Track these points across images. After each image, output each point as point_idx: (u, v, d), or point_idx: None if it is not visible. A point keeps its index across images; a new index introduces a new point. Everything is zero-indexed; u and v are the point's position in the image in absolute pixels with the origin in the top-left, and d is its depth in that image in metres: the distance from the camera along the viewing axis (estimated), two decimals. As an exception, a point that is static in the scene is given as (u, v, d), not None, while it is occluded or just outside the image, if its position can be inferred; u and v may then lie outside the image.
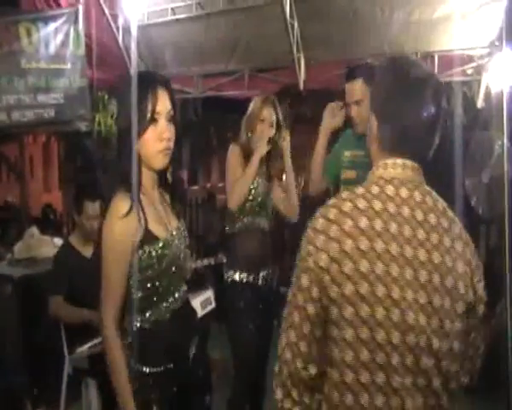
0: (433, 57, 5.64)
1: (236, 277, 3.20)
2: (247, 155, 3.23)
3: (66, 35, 5.98)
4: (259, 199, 3.28)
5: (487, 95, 5.61)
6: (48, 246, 4.90)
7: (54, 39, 5.89)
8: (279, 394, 1.43)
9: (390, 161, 1.45)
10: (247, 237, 3.26)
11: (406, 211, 1.38)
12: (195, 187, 17.04)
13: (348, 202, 1.39)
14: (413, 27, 5.46)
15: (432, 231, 1.39)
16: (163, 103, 1.89)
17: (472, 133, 5.97)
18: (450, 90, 5.65)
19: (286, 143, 3.30)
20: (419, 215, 1.39)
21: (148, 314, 1.94)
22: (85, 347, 3.47)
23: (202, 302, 3.29)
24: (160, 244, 1.91)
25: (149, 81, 1.89)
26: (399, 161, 1.45)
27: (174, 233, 2.00)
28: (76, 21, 6.02)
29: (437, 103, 1.45)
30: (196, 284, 2.20)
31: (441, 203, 1.47)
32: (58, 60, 5.94)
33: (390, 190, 1.40)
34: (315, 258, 1.36)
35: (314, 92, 6.68)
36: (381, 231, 1.34)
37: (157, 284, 1.93)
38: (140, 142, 1.86)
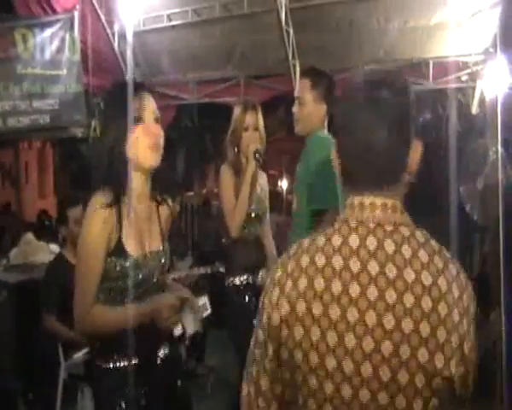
0: (428, 64, 5.68)
1: (237, 281, 3.29)
2: (238, 172, 3.27)
3: (62, 41, 5.98)
4: (255, 211, 3.34)
5: (482, 101, 5.64)
6: (43, 252, 4.89)
7: (49, 45, 5.90)
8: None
9: (356, 201, 1.21)
10: (244, 245, 3.32)
11: (374, 267, 1.14)
12: (191, 193, 17.06)
13: (306, 257, 1.20)
14: (408, 35, 5.49)
15: (406, 292, 1.13)
16: (148, 104, 1.91)
17: (466, 139, 5.99)
18: (445, 96, 5.67)
19: (253, 146, 3.22)
20: (390, 272, 1.14)
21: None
22: (81, 353, 3.47)
23: (195, 317, 3.30)
24: (128, 262, 1.87)
25: (133, 87, 1.92)
26: (366, 199, 1.20)
27: (149, 256, 1.95)
28: (72, 27, 6.03)
29: (398, 128, 1.19)
30: (192, 291, 2.19)
31: (428, 249, 1.18)
32: (54, 66, 5.94)
33: (354, 240, 1.17)
34: (268, 315, 1.22)
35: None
36: (338, 296, 1.14)
37: (120, 296, 1.90)
38: (128, 144, 1.86)
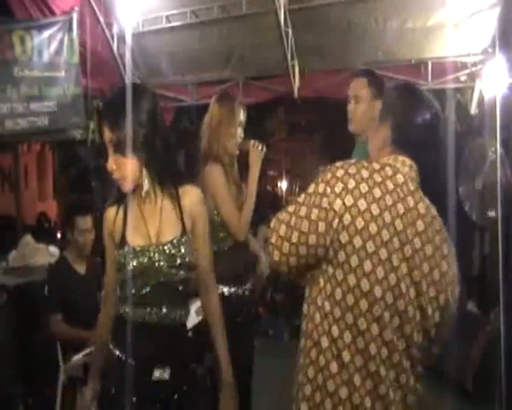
0: (426, 65, 5.67)
1: (226, 291, 3.09)
2: (225, 171, 3.08)
3: (60, 43, 5.97)
4: None
5: (481, 101, 5.63)
6: (43, 254, 4.88)
7: (48, 47, 5.88)
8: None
9: (392, 156, 1.70)
10: (235, 254, 3.13)
11: (402, 194, 1.62)
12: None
13: (351, 178, 1.60)
14: (407, 36, 5.49)
15: (421, 219, 1.63)
16: (104, 133, 1.92)
17: (465, 140, 5.99)
18: (444, 96, 5.67)
19: (257, 152, 3.08)
20: (411, 202, 1.62)
21: (123, 306, 2.01)
22: (80, 355, 3.46)
23: (196, 310, 3.27)
24: (124, 251, 1.94)
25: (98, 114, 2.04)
26: (400, 157, 1.69)
27: (155, 247, 1.96)
28: (70, 29, 6.02)
29: (435, 122, 1.77)
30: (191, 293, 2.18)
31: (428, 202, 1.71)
32: (52, 68, 5.93)
33: (388, 172, 1.63)
34: (330, 200, 1.56)
35: (308, 100, 6.70)
36: (385, 208, 1.56)
37: (127, 288, 1.96)
38: None
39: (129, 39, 6.34)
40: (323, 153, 13.20)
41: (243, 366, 3.06)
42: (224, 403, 2.07)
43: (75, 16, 6.06)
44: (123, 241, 1.96)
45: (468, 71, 5.59)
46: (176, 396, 1.98)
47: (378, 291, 1.51)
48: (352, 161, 1.67)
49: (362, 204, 1.54)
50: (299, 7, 5.66)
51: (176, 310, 2.03)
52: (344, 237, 1.52)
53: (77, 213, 3.72)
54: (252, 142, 3.10)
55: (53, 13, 6.01)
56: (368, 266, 1.51)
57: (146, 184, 1.95)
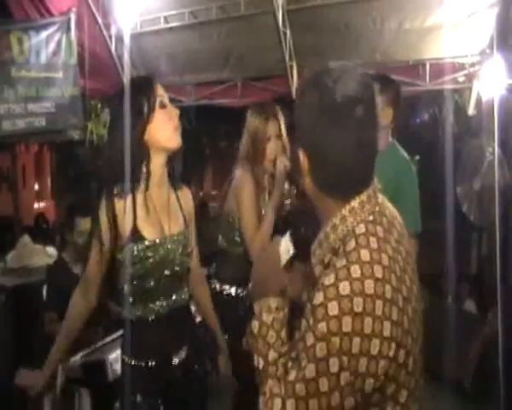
0: (424, 65, 5.68)
1: (233, 291, 3.08)
2: (258, 185, 2.99)
3: (58, 44, 5.97)
4: None
5: (478, 102, 5.65)
6: (41, 255, 4.88)
7: (45, 48, 5.88)
8: None
9: (355, 203, 1.28)
10: (241, 259, 3.06)
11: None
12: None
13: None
14: (404, 36, 5.49)
15: (401, 245, 1.31)
16: (162, 92, 2.00)
17: (463, 141, 6.00)
18: (442, 97, 5.68)
19: (281, 165, 2.92)
20: (395, 235, 1.30)
21: (134, 308, 2.01)
22: (78, 356, 3.45)
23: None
24: (144, 245, 1.94)
25: (146, 78, 2.04)
26: (354, 203, 1.28)
27: (168, 238, 2.02)
28: (68, 30, 6.02)
29: (372, 125, 1.26)
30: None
31: (389, 204, 1.40)
32: (50, 69, 5.93)
33: (378, 230, 1.27)
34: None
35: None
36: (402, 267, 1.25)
37: (142, 283, 1.97)
38: (149, 131, 1.95)
39: (127, 40, 6.34)
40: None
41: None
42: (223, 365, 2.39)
43: (73, 17, 6.06)
44: (136, 234, 1.94)
45: (465, 72, 5.60)
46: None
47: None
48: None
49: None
50: (297, 8, 5.66)
51: (181, 294, 2.12)
52: None
53: (76, 215, 3.72)
54: (279, 162, 2.94)
55: (51, 13, 6.00)
56: None
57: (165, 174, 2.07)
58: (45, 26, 5.88)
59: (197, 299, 2.41)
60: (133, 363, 2.00)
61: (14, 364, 4.26)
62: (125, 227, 1.93)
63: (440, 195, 4.58)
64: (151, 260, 1.96)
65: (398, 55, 5.68)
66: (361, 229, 1.24)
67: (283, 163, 2.91)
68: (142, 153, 1.95)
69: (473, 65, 5.52)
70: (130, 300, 1.99)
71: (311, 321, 1.17)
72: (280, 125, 2.99)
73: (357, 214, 1.26)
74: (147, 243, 1.95)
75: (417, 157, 9.31)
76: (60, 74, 5.98)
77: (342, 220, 1.27)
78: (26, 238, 5.11)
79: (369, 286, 1.14)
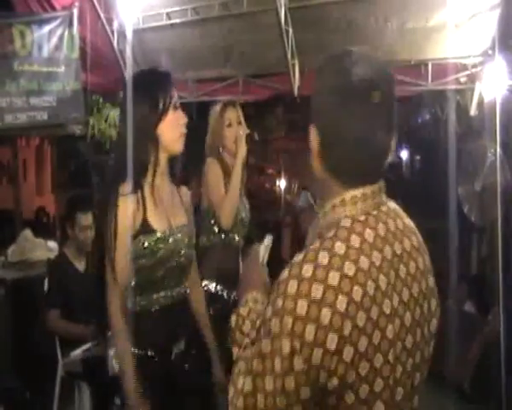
0: (426, 66, 5.68)
1: (212, 287, 3.10)
2: (224, 170, 3.14)
3: (61, 38, 5.95)
4: (239, 215, 3.18)
5: (480, 103, 5.65)
6: (41, 249, 4.89)
7: (48, 42, 5.86)
8: None
9: (348, 196, 1.21)
10: (221, 251, 3.17)
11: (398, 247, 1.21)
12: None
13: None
14: (407, 36, 5.49)
15: (410, 260, 1.23)
16: (174, 93, 2.05)
17: (465, 141, 6.00)
18: (444, 98, 5.68)
19: (240, 131, 3.12)
20: (397, 249, 1.20)
21: (138, 299, 2.01)
22: (79, 350, 3.47)
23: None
24: (156, 237, 1.96)
25: (165, 74, 2.11)
26: (357, 192, 1.21)
27: (175, 229, 2.04)
28: (70, 24, 6.00)
29: (388, 115, 1.20)
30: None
31: (405, 216, 1.31)
32: (52, 63, 5.91)
33: (367, 233, 1.17)
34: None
35: (308, 99, 6.68)
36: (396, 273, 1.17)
37: (150, 274, 1.98)
38: (161, 128, 1.99)
39: (129, 35, 6.33)
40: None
41: None
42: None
43: (75, 11, 6.04)
44: (147, 227, 1.95)
45: (468, 72, 5.60)
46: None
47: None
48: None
49: None
50: (299, 5, 5.65)
51: (182, 286, 2.16)
52: None
53: (78, 210, 3.71)
54: (241, 132, 3.12)
55: (53, 8, 5.99)
56: None
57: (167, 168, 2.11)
58: (48, 21, 5.87)
59: (192, 299, 2.36)
60: (135, 352, 2.00)
61: (14, 358, 4.28)
62: (136, 220, 1.94)
63: (441, 195, 4.58)
64: (162, 252, 1.98)
65: (400, 55, 5.67)
66: (346, 223, 1.17)
67: (244, 131, 3.11)
68: (153, 145, 1.98)
69: (475, 66, 5.52)
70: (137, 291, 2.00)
71: (273, 295, 1.13)
72: (239, 114, 3.19)
73: (349, 209, 1.20)
74: (158, 234, 1.97)
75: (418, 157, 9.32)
76: (62, 68, 5.97)
77: (333, 209, 1.22)
78: (28, 232, 5.11)
79: (334, 278, 1.07)
